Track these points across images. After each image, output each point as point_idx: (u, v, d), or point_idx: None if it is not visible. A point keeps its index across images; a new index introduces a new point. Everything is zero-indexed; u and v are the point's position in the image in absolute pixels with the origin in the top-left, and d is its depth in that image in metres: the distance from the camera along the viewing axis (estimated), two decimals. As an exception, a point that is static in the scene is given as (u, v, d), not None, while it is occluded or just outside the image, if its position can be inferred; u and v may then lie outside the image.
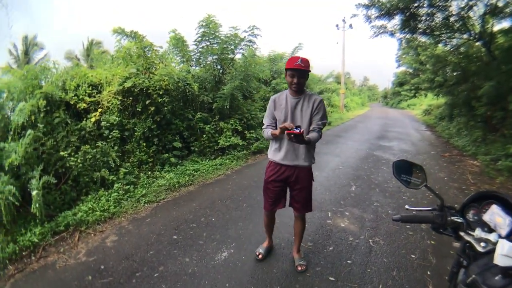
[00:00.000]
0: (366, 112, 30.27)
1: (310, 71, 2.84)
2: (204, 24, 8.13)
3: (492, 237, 1.42)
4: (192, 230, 4.03)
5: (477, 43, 10.91)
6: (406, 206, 1.89)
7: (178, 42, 8.45)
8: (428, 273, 3.18)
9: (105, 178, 5.24)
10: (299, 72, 2.72)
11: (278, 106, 2.93)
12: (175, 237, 3.85)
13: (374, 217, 4.55)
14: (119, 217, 4.46)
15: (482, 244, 1.44)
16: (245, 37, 8.49)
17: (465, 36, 10.73)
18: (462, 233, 1.58)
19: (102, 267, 3.24)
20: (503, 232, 1.40)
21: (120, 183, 5.28)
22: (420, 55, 17.08)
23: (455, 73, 13.00)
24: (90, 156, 5.16)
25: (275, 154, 2.97)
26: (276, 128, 2.90)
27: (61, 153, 4.86)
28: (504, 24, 9.57)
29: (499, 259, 1.24)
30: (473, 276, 1.29)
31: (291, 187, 3.05)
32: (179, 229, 4.05)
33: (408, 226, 4.22)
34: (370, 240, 3.83)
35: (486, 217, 1.51)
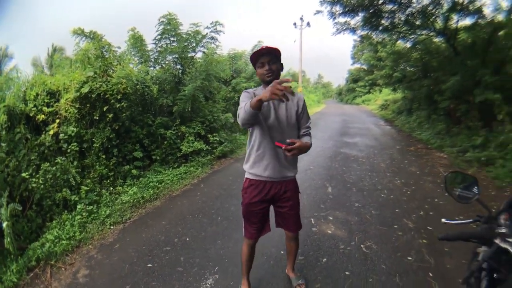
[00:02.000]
0: (323, 109, 30.66)
1: (280, 55, 2.32)
2: (164, 21, 7.64)
3: None
4: (167, 254, 3.59)
5: (437, 39, 11.36)
6: (443, 220, 1.73)
7: (136, 42, 7.92)
8: (430, 274, 3.05)
9: (67, 198, 4.80)
10: (267, 56, 2.24)
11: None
12: (149, 265, 3.39)
13: (359, 219, 4.37)
14: (86, 245, 3.96)
15: None
16: (207, 33, 8.10)
17: (425, 32, 11.07)
18: (498, 240, 1.44)
19: None
20: None
21: (82, 203, 4.77)
22: (379, 51, 17.50)
23: (414, 69, 13.46)
24: (51, 175, 4.71)
25: (256, 167, 2.40)
26: (257, 141, 2.36)
27: (23, 174, 4.41)
28: (467, 21, 9.94)
29: None
30: None
31: (279, 205, 2.53)
32: (152, 255, 3.58)
33: (396, 226, 4.12)
34: (362, 246, 3.63)
35: None
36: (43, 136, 5.25)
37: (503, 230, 1.45)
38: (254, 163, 2.40)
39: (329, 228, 4.09)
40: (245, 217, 2.56)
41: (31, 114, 5.33)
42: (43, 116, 5.42)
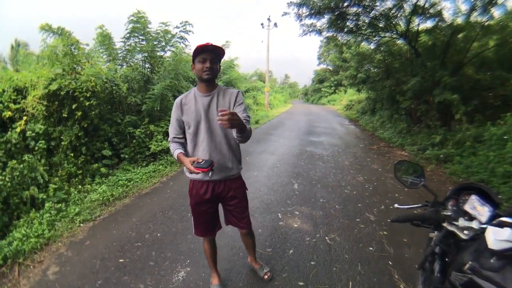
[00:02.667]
0: (290, 109, 31.06)
1: (224, 54, 2.30)
2: (134, 19, 7.60)
3: (474, 224, 1.55)
4: (138, 250, 3.63)
5: (399, 41, 11.82)
6: (396, 205, 1.99)
7: (104, 39, 7.82)
8: (390, 263, 3.29)
9: (34, 196, 4.71)
10: (210, 53, 2.21)
11: (186, 110, 2.35)
12: (121, 260, 3.42)
13: (323, 213, 4.59)
14: (55, 243, 3.90)
15: (466, 232, 1.57)
16: (176, 33, 8.12)
17: (388, 34, 11.49)
18: (445, 224, 1.69)
19: None
20: (483, 219, 1.53)
21: (51, 202, 4.71)
22: (344, 52, 17.94)
23: (377, 70, 13.91)
24: (18, 173, 4.61)
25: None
26: (191, 145, 2.38)
27: None
28: (428, 24, 10.41)
29: (493, 244, 1.33)
30: (470, 263, 1.37)
31: (225, 203, 2.58)
32: (123, 251, 3.62)
33: (358, 219, 4.37)
34: (326, 238, 3.85)
35: (467, 206, 1.64)
36: (9, 133, 5.14)
37: (448, 213, 1.69)
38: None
39: (295, 222, 4.28)
40: (194, 217, 2.63)
41: None
42: (9, 113, 5.30)
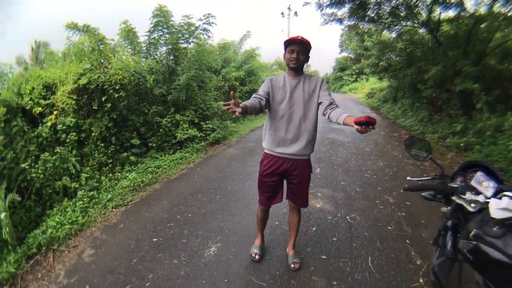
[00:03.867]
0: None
1: (310, 48, 2.57)
2: (157, 13, 7.80)
3: (480, 198, 1.74)
4: (171, 229, 3.86)
5: (421, 30, 11.68)
6: (408, 178, 2.18)
7: (128, 34, 8.08)
8: (407, 241, 3.45)
9: (67, 186, 4.93)
10: (299, 45, 2.48)
11: (276, 85, 2.62)
12: (155, 239, 3.65)
13: (344, 195, 4.77)
14: (89, 228, 4.05)
15: (473, 205, 1.75)
16: (199, 25, 8.28)
17: (409, 23, 11.43)
18: (454, 197, 1.89)
19: (87, 287, 2.93)
20: (489, 194, 1.71)
21: (83, 190, 4.92)
22: (365, 41, 17.81)
23: (399, 58, 13.78)
24: (50, 165, 4.83)
25: (271, 143, 2.66)
26: (272, 118, 2.63)
27: (22, 165, 4.52)
28: (450, 13, 10.33)
29: (495, 213, 1.51)
30: (475, 230, 1.54)
31: (289, 180, 2.77)
32: (157, 231, 3.85)
33: (377, 201, 4.52)
34: (347, 217, 4.04)
35: (473, 182, 1.83)
36: (40, 127, 5.34)
37: (455, 185, 1.89)
38: (269, 140, 2.67)
39: (317, 203, 4.47)
40: (259, 186, 2.87)
41: (27, 107, 5.40)
42: (40, 108, 5.51)
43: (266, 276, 2.88)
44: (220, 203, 4.61)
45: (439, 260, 2.04)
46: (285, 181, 2.84)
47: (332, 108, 2.47)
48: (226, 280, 2.85)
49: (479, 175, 1.82)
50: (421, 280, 2.79)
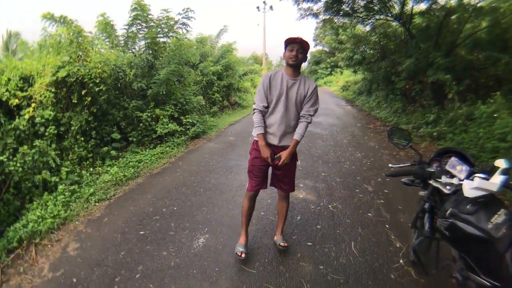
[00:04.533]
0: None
1: (308, 49, 2.81)
2: (135, 7, 7.70)
3: (454, 181, 1.98)
4: (157, 222, 3.90)
5: (394, 23, 11.95)
6: (390, 165, 2.41)
7: (106, 27, 7.96)
8: (387, 226, 3.67)
9: (47, 180, 4.86)
10: (298, 45, 2.69)
11: (274, 84, 2.81)
12: (142, 232, 3.67)
13: (325, 186, 4.95)
14: (72, 222, 4.00)
15: (448, 187, 1.98)
16: (179, 19, 8.23)
17: (383, 16, 11.69)
18: (431, 181, 2.12)
19: (75, 280, 2.92)
20: (462, 176, 1.95)
21: (64, 184, 4.85)
22: (340, 35, 18.07)
23: (373, 51, 14.12)
24: (30, 158, 4.73)
25: (264, 134, 2.87)
26: (268, 113, 2.86)
27: (0, 157, 4.41)
28: (422, 6, 10.64)
29: (468, 193, 1.74)
30: (451, 209, 1.76)
31: (277, 167, 2.93)
32: (143, 224, 3.87)
33: (357, 190, 4.73)
34: (329, 206, 4.21)
35: (448, 167, 2.09)
36: (17, 120, 5.20)
37: (432, 169, 2.12)
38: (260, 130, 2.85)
39: (300, 193, 4.62)
40: (249, 171, 3.03)
41: (3, 99, 5.25)
42: (16, 100, 5.37)
43: (255, 264, 2.99)
44: (205, 196, 4.67)
45: (418, 240, 2.25)
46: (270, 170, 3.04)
47: (299, 121, 2.87)
48: (217, 269, 2.94)
49: (453, 160, 2.05)
50: (401, 261, 2.98)
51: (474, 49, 9.40)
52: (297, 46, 2.70)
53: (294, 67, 2.78)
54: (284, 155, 2.75)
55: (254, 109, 2.89)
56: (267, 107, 2.84)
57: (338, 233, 3.52)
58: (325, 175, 5.41)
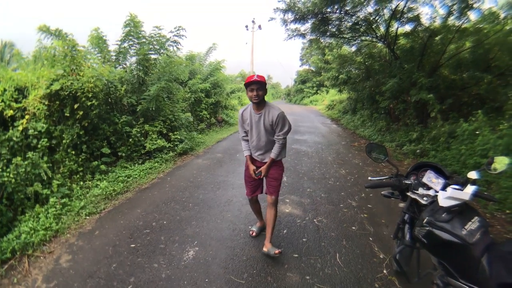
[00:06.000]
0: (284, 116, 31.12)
1: (266, 83, 3.19)
2: (129, 23, 7.86)
3: (430, 192, 2.18)
4: (148, 236, 3.99)
5: (379, 44, 12.34)
6: (369, 178, 2.62)
7: (98, 42, 8.07)
8: (370, 238, 3.86)
9: (38, 192, 4.86)
10: (256, 84, 3.07)
11: (245, 119, 3.39)
12: (132, 245, 3.76)
13: (311, 201, 5.11)
14: (64, 234, 4.09)
15: (425, 198, 2.18)
16: (170, 37, 8.37)
17: (368, 37, 12.06)
18: (409, 193, 2.31)
19: None
20: (438, 188, 2.15)
21: (55, 197, 4.91)
22: (326, 55, 18.49)
23: (358, 71, 14.52)
24: (23, 169, 4.75)
25: (252, 152, 3.53)
26: (249, 139, 3.49)
27: None
28: (406, 28, 11.02)
29: (443, 202, 1.93)
30: (427, 217, 1.92)
31: (266, 176, 3.48)
32: (133, 237, 3.95)
33: (341, 205, 4.90)
34: (315, 220, 4.38)
35: (424, 179, 2.34)
36: (11, 131, 5.20)
37: (408, 182, 2.33)
38: (248, 149, 3.58)
39: (287, 208, 4.79)
40: (245, 181, 3.70)
41: None
42: (11, 111, 5.37)
43: (244, 275, 3.11)
44: (193, 210, 4.78)
45: (399, 248, 2.41)
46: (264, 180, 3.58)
47: (275, 143, 3.34)
48: (207, 280, 3.06)
49: (429, 173, 2.26)
50: (385, 271, 3.15)
51: (458, 69, 9.71)
52: (255, 86, 3.10)
53: (258, 103, 3.21)
54: (263, 169, 3.41)
55: (241, 138, 3.59)
56: (246, 136, 3.50)
57: (323, 245, 3.68)
58: (310, 191, 5.57)
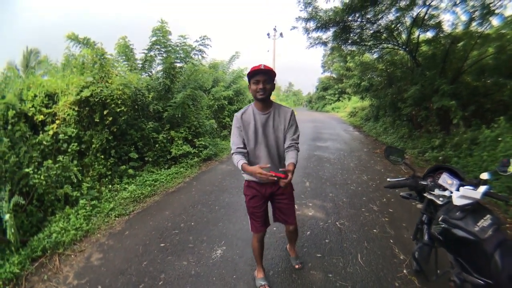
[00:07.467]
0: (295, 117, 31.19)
1: (275, 75, 2.54)
2: (158, 32, 8.09)
3: (446, 193, 2.29)
4: (177, 236, 4.17)
5: (401, 51, 12.29)
6: (388, 179, 2.74)
7: (125, 50, 8.37)
8: (391, 241, 3.93)
9: (68, 194, 5.10)
10: (263, 75, 2.46)
11: (246, 124, 2.62)
12: (162, 245, 3.95)
13: (333, 205, 5.20)
14: (94, 234, 4.33)
15: (441, 199, 2.30)
16: (195, 46, 8.62)
17: (390, 45, 12.05)
18: (426, 194, 2.44)
19: (100, 287, 3.15)
20: (453, 189, 2.25)
21: (85, 199, 5.14)
22: (348, 62, 18.51)
23: (380, 78, 14.50)
24: (54, 172, 4.96)
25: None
26: (247, 153, 2.66)
27: (25, 169, 4.60)
28: (428, 34, 10.96)
29: (456, 201, 2.06)
30: (442, 216, 2.06)
31: (277, 201, 2.86)
32: (163, 237, 4.14)
33: (363, 209, 4.98)
34: (337, 223, 4.48)
35: (440, 181, 2.43)
36: (42, 135, 5.39)
37: (425, 183, 2.46)
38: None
39: (309, 211, 4.91)
40: (250, 214, 2.88)
41: (29, 114, 5.44)
42: (41, 116, 5.58)
43: (270, 272, 3.25)
44: (220, 213, 4.96)
45: (418, 246, 2.54)
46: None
47: (287, 151, 2.62)
48: (234, 276, 3.21)
49: (445, 175, 2.39)
50: (405, 271, 3.23)
51: (481, 75, 9.55)
52: (262, 77, 2.47)
53: (264, 100, 2.57)
54: (289, 173, 2.36)
55: (232, 152, 2.65)
56: (244, 148, 2.64)
57: (345, 246, 3.78)
58: (332, 196, 5.66)
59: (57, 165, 5.09)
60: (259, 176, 2.33)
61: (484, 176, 2.13)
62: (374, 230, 4.22)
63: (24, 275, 3.37)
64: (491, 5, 7.95)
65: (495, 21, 8.63)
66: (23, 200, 4.16)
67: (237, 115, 2.66)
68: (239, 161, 2.52)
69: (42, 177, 4.70)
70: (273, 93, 2.67)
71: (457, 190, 2.19)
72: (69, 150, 5.63)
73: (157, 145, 7.70)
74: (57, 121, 5.73)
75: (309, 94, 67.31)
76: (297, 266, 3.33)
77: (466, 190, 2.05)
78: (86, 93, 5.96)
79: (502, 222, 2.11)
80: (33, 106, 5.54)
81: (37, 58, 21.64)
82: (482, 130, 7.21)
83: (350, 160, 8.92)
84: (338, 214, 4.81)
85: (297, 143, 2.67)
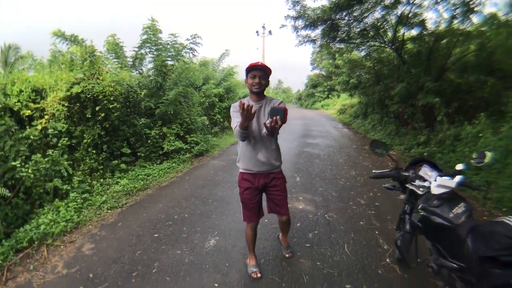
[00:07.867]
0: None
1: (270, 73, 2.80)
2: (148, 30, 8.16)
3: (426, 184, 2.47)
4: (170, 227, 4.29)
5: (387, 49, 12.47)
6: (374, 171, 2.99)
7: (115, 47, 8.40)
8: (376, 232, 4.11)
9: (58, 187, 5.12)
10: (260, 71, 2.70)
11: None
12: (156, 235, 4.06)
13: (322, 199, 5.36)
14: (85, 226, 4.41)
15: (421, 189, 2.49)
16: (187, 45, 8.72)
17: (377, 42, 12.25)
18: (407, 185, 2.65)
19: (91, 275, 3.20)
20: (432, 180, 2.43)
21: (75, 192, 5.17)
22: (336, 59, 18.65)
23: (368, 76, 14.68)
24: (43, 166, 4.95)
25: (247, 162, 2.90)
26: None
27: (12, 163, 4.59)
28: (413, 32, 11.22)
29: (434, 190, 2.28)
30: (421, 204, 2.27)
31: (270, 192, 3.02)
32: (157, 228, 4.26)
33: (351, 203, 5.15)
34: (326, 215, 4.64)
35: (421, 172, 2.62)
36: (29, 130, 5.36)
37: (406, 174, 2.68)
38: (245, 161, 2.90)
39: (300, 205, 5.06)
40: (243, 205, 3.05)
41: (15, 109, 5.39)
42: (28, 111, 5.55)
43: (261, 260, 3.39)
44: (213, 205, 5.09)
45: (400, 234, 2.73)
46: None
47: None
48: (227, 264, 3.35)
49: (425, 167, 2.59)
50: (388, 260, 3.40)
51: (463, 72, 9.76)
52: (259, 73, 2.71)
53: (258, 94, 2.80)
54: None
55: (235, 127, 2.68)
56: None
57: (333, 237, 3.95)
58: (322, 190, 5.83)
59: (46, 159, 5.09)
60: (245, 117, 2.37)
61: (459, 166, 2.35)
62: (361, 222, 4.39)
63: (7, 266, 3.38)
64: (470, 2, 8.15)
65: (475, 19, 8.86)
66: (8, 193, 4.19)
67: (235, 104, 2.75)
68: (236, 126, 2.63)
69: (30, 171, 4.70)
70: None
71: (435, 180, 2.37)
72: (59, 144, 5.64)
73: (149, 141, 7.80)
74: (46, 116, 5.75)
75: (298, 92, 67.18)
76: (287, 255, 3.48)
77: (443, 179, 2.25)
78: (76, 89, 6.01)
79: (474, 209, 2.30)
80: (18, 101, 5.49)
81: (17, 54, 21.21)
82: (465, 126, 7.44)
83: (339, 156, 9.09)
84: (327, 207, 4.97)
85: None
